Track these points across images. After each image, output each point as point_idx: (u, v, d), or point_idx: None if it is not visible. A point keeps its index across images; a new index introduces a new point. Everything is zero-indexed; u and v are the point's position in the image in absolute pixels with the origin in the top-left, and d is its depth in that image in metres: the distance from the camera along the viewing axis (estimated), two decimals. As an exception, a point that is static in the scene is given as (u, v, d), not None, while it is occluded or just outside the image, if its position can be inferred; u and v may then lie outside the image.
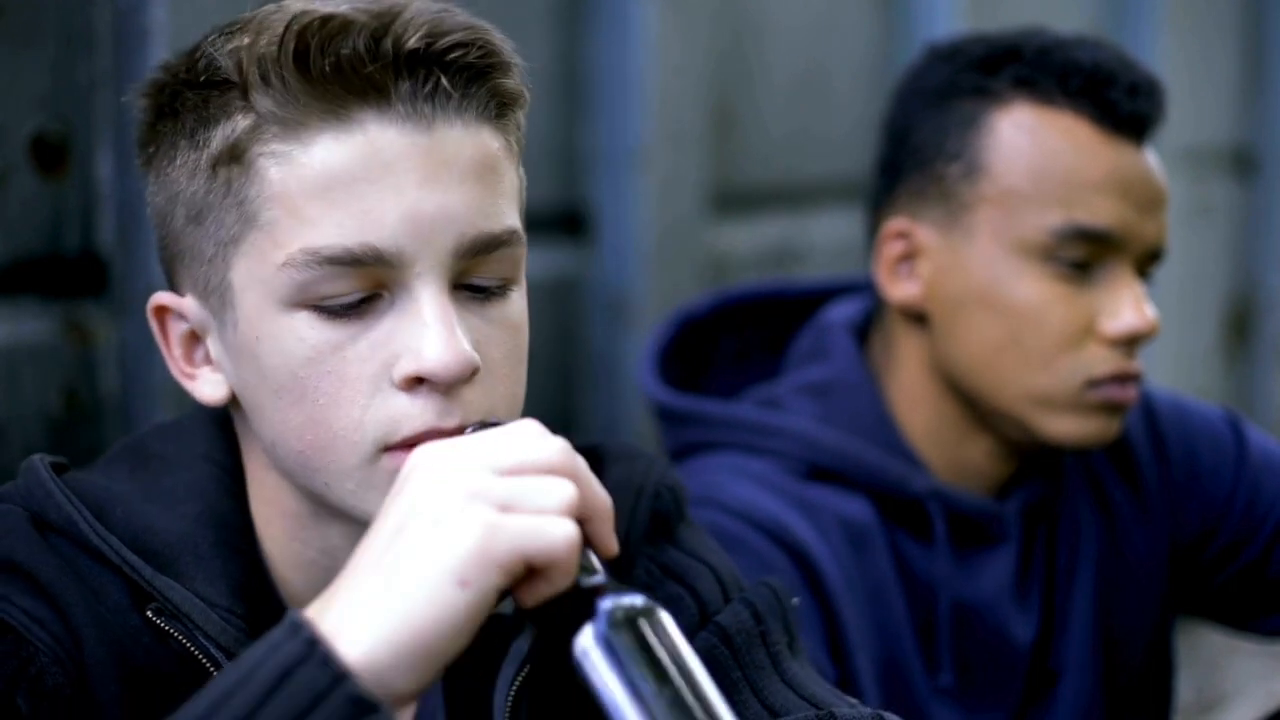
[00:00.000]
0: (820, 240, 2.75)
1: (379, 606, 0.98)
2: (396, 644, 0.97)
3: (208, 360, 1.21)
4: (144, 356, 1.73)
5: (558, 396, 2.33)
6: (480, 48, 1.13)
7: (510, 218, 1.16)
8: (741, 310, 1.91)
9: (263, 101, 1.12)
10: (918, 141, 1.72)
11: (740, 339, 1.90)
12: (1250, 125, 4.05)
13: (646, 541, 1.32)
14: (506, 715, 1.23)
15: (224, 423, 1.27)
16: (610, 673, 0.98)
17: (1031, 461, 1.77)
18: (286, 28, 1.11)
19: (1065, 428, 1.68)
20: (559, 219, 2.33)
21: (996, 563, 1.75)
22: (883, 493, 1.71)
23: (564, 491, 1.02)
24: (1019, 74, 1.69)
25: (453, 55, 1.12)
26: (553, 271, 2.29)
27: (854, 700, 1.25)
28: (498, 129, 1.16)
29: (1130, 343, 1.68)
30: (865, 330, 1.80)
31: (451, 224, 1.12)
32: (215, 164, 1.14)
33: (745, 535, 1.62)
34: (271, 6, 1.16)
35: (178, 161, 1.17)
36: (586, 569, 1.03)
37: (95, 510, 1.19)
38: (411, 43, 1.10)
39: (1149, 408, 1.85)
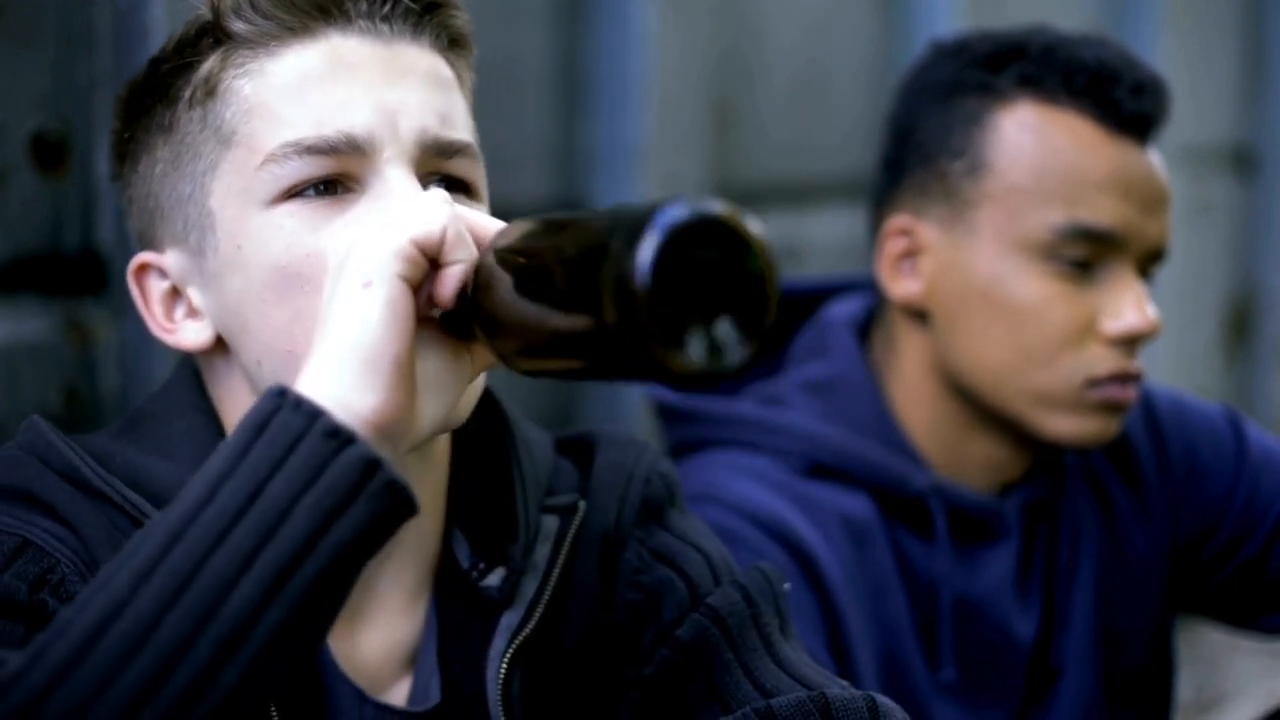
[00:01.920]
0: (820, 239, 2.75)
1: (320, 351, 1.05)
2: (340, 362, 1.04)
3: (190, 314, 1.25)
4: (144, 355, 1.73)
5: (558, 395, 2.33)
6: None
7: (466, 133, 1.24)
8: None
9: (235, 26, 1.20)
10: (921, 138, 1.72)
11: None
12: (1250, 124, 4.05)
13: (637, 525, 1.33)
14: (499, 687, 1.24)
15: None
16: None
17: (1032, 459, 1.77)
18: None
19: (1065, 426, 1.68)
20: (559, 218, 2.33)
21: (997, 560, 1.75)
22: (884, 490, 1.71)
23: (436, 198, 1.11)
24: (1023, 72, 1.69)
25: None
26: (553, 270, 2.28)
27: (845, 682, 1.26)
28: (448, 61, 1.25)
29: (1131, 342, 1.68)
30: (867, 327, 1.80)
31: (415, 116, 1.20)
32: (191, 104, 1.22)
33: (746, 532, 1.62)
34: None
35: (153, 123, 1.25)
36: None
37: (96, 458, 1.22)
38: None
39: (1149, 406, 1.85)
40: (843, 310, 1.81)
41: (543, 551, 1.29)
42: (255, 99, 1.20)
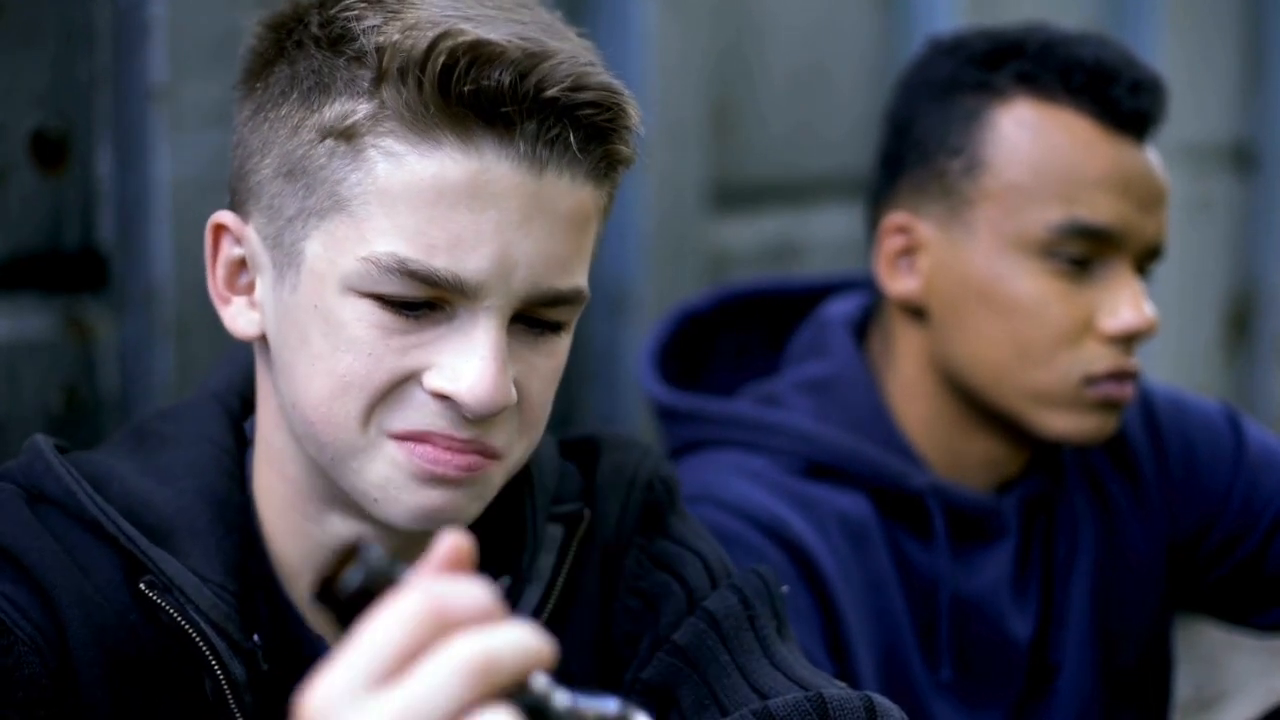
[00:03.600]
0: (820, 236, 2.75)
1: None
2: None
3: (249, 292, 1.21)
4: (144, 352, 1.73)
5: (557, 392, 2.33)
6: (611, 111, 1.15)
7: (581, 277, 1.19)
8: (741, 306, 1.91)
9: (393, 98, 1.12)
10: (919, 135, 1.72)
11: (739, 335, 1.90)
12: (1250, 121, 4.05)
13: (638, 532, 1.33)
14: None
15: (227, 407, 1.28)
16: None
17: (1030, 456, 1.77)
18: (439, 40, 1.11)
19: (1062, 424, 1.68)
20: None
21: (995, 558, 1.75)
22: (881, 489, 1.71)
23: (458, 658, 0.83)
24: (1021, 70, 1.69)
25: (584, 112, 1.13)
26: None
27: (841, 683, 1.26)
28: (599, 187, 1.18)
29: (1129, 340, 1.68)
30: (864, 326, 1.80)
31: (531, 271, 1.14)
32: (324, 134, 1.15)
33: (744, 533, 1.62)
34: (437, 2, 1.15)
35: (283, 112, 1.17)
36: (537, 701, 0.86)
37: (94, 483, 1.20)
38: (551, 91, 1.11)
39: (1147, 403, 1.85)
40: (840, 309, 1.81)
41: (547, 560, 1.29)
42: (385, 184, 1.13)
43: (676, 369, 1.85)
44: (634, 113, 1.17)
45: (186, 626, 1.16)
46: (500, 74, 1.10)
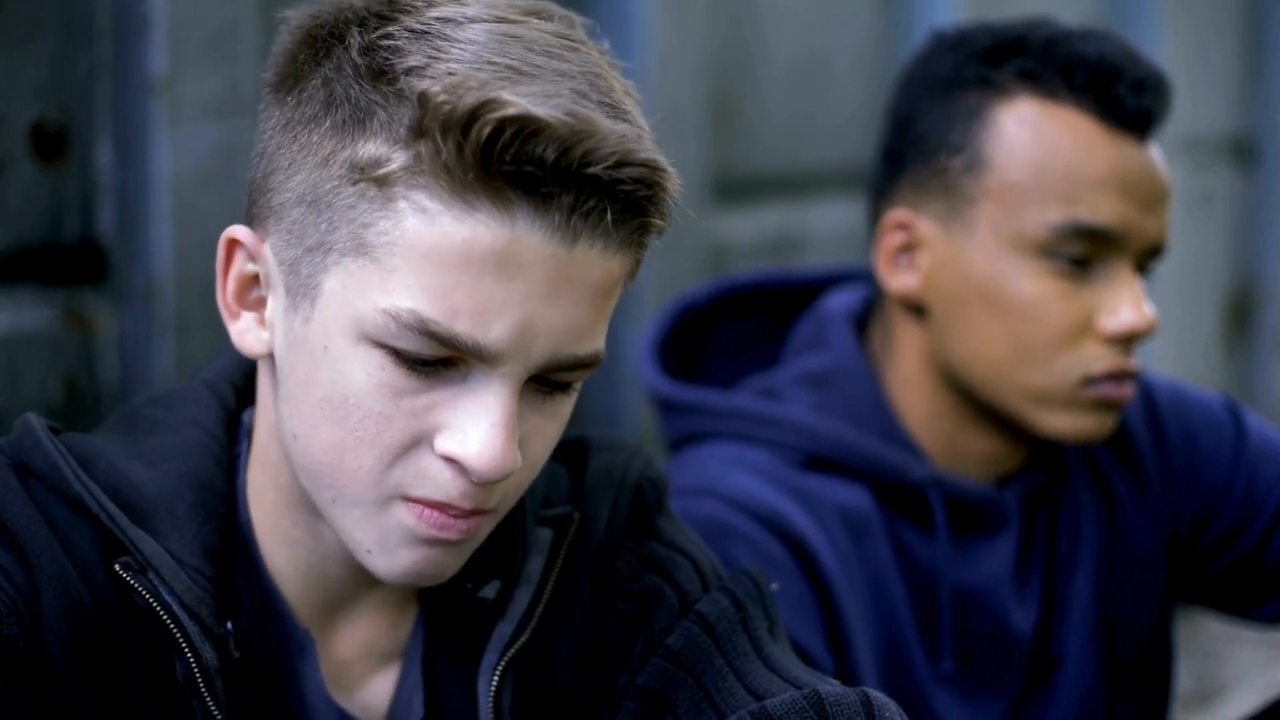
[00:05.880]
0: (820, 229, 2.75)
1: None
2: None
3: (259, 308, 1.19)
4: (144, 345, 1.73)
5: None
6: (651, 186, 1.13)
7: (600, 340, 1.17)
8: (741, 299, 1.91)
9: (430, 155, 1.09)
10: (921, 132, 1.72)
11: (739, 328, 1.90)
12: (1250, 114, 4.05)
13: (628, 535, 1.33)
14: (491, 699, 1.24)
15: (218, 394, 1.27)
16: None
17: (1030, 451, 1.77)
18: (483, 109, 1.08)
19: (1060, 423, 1.68)
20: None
21: (997, 550, 1.75)
22: (882, 481, 1.71)
23: None
24: (1024, 67, 1.69)
25: (624, 188, 1.11)
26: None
27: (836, 681, 1.25)
28: (629, 254, 1.16)
29: (1128, 341, 1.68)
30: (865, 319, 1.80)
31: (552, 341, 1.13)
32: (355, 173, 1.12)
33: (743, 526, 1.62)
34: (479, 41, 1.12)
35: (314, 138, 1.14)
36: None
37: (80, 461, 1.19)
38: (594, 170, 1.09)
39: (1148, 395, 1.85)
40: (840, 302, 1.81)
41: (536, 564, 1.28)
42: (414, 240, 1.10)
43: (676, 361, 1.85)
44: (673, 185, 1.15)
45: (158, 608, 1.16)
46: (545, 150, 1.08)
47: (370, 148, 1.11)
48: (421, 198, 1.10)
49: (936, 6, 2.89)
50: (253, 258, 1.19)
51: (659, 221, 1.15)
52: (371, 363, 1.12)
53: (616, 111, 1.13)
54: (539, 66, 1.11)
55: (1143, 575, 1.82)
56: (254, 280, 1.19)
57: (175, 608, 1.16)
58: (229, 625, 1.19)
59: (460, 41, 1.11)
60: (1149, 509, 1.82)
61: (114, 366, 1.74)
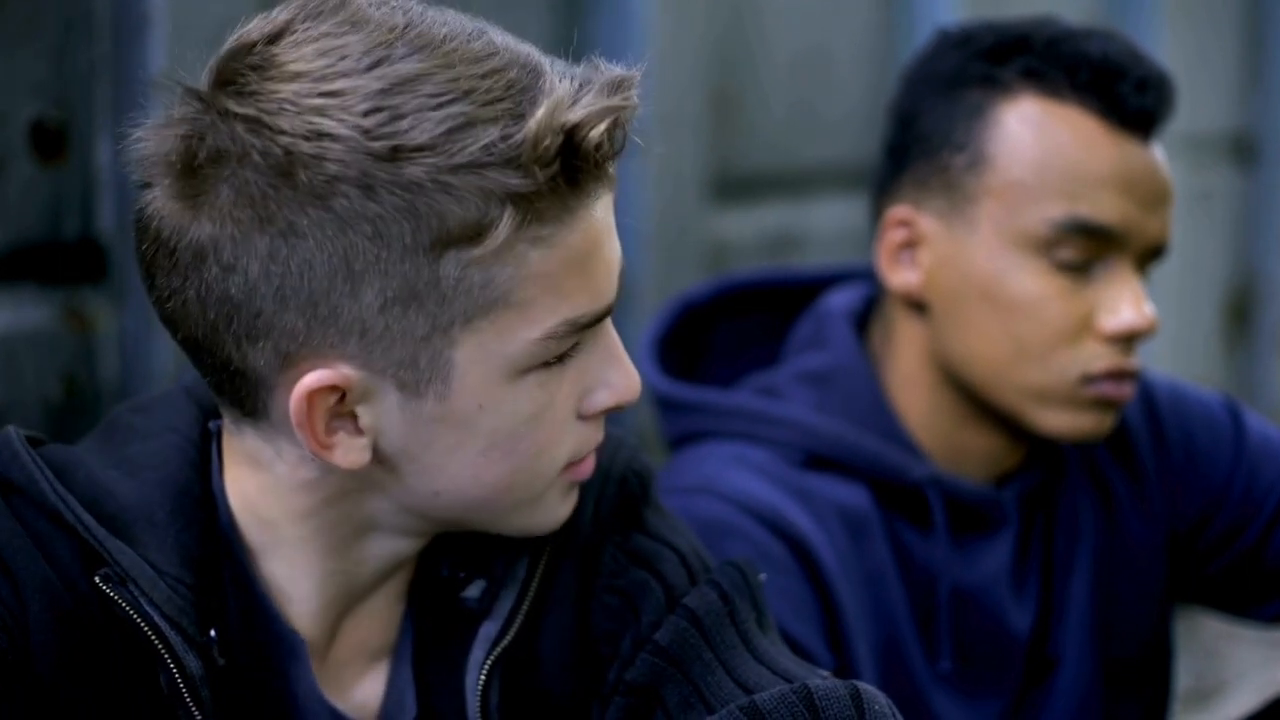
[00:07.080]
0: (820, 226, 2.75)
1: None
2: None
3: (353, 429, 1.18)
4: (143, 343, 1.73)
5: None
6: (623, 128, 1.19)
7: None
8: (741, 297, 1.91)
9: (534, 193, 1.13)
10: (924, 129, 1.72)
11: (739, 326, 1.90)
12: (1250, 112, 4.05)
13: (614, 528, 1.33)
14: (478, 697, 1.24)
15: (196, 399, 1.26)
16: None
17: (1029, 449, 1.77)
18: (576, 131, 1.13)
19: (1059, 422, 1.68)
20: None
21: (995, 550, 1.75)
22: (881, 480, 1.71)
23: None
24: (1027, 65, 1.69)
25: (619, 134, 1.18)
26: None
27: (825, 673, 1.26)
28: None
29: (1128, 340, 1.68)
30: (866, 317, 1.80)
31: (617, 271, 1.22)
32: (448, 251, 1.13)
33: (743, 524, 1.62)
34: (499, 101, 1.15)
35: (373, 255, 1.12)
36: None
37: (58, 472, 1.19)
38: (619, 146, 1.18)
39: (1147, 394, 1.85)
40: (841, 300, 1.81)
41: (521, 560, 1.29)
42: (542, 268, 1.15)
43: (676, 360, 1.85)
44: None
45: (139, 619, 1.16)
46: (599, 149, 1.15)
47: (457, 214, 1.12)
48: (532, 232, 1.14)
49: (937, 4, 2.89)
50: (334, 388, 1.16)
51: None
52: (527, 389, 1.18)
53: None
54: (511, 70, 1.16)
55: (1141, 575, 1.82)
56: (337, 411, 1.17)
57: (156, 618, 1.16)
58: (212, 633, 1.18)
59: (538, 88, 1.15)
60: (1148, 508, 1.82)
61: (114, 365, 1.74)
